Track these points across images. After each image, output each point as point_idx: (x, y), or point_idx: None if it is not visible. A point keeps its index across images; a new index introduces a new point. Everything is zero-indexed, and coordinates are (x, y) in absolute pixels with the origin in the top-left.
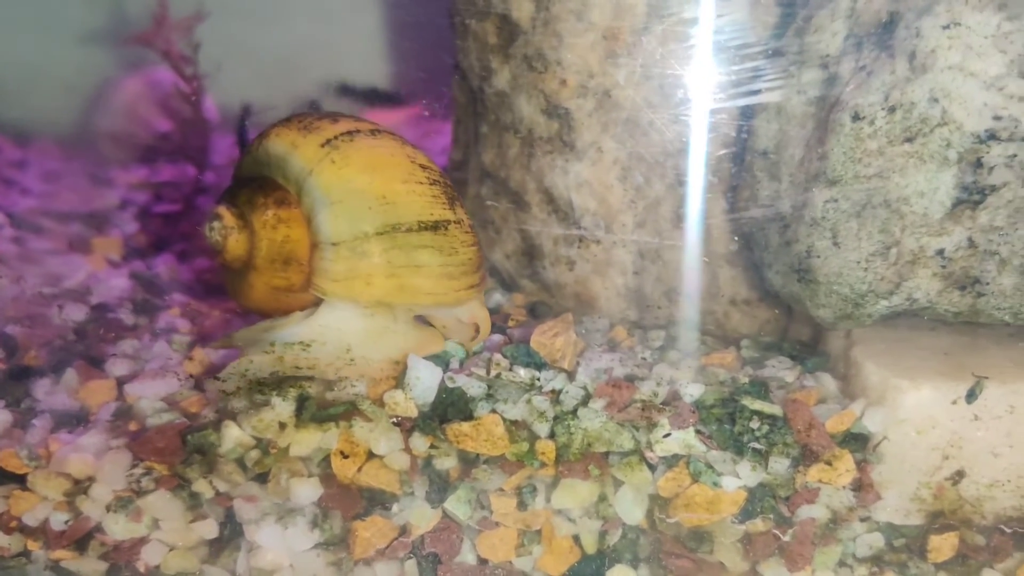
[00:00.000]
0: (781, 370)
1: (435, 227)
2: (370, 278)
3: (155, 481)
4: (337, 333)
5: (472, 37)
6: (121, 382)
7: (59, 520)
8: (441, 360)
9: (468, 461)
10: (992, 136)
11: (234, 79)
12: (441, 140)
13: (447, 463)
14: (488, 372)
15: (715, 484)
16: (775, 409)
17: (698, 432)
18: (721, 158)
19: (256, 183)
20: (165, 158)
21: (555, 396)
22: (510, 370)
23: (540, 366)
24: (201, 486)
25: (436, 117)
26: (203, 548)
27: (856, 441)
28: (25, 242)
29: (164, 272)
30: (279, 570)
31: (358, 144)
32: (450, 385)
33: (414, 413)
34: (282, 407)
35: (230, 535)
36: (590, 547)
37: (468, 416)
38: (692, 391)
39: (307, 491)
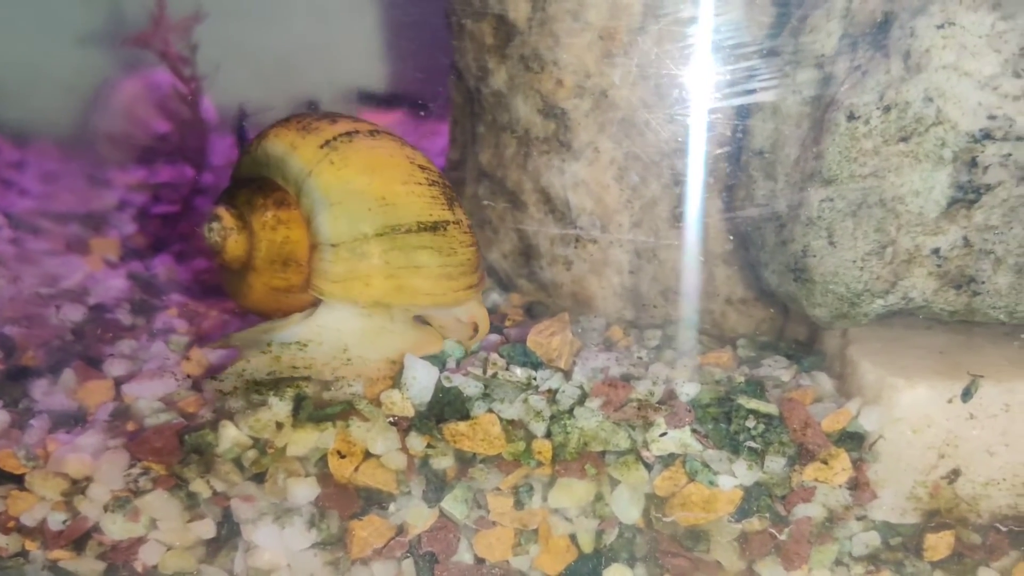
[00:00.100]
0: (777, 369)
1: (434, 228)
2: (369, 279)
3: (153, 481)
4: (334, 333)
5: (469, 37)
6: (119, 382)
7: (57, 520)
8: (438, 360)
9: (465, 460)
10: (987, 135)
11: (232, 80)
12: (439, 141)
13: (444, 462)
14: (485, 371)
15: (711, 483)
16: (771, 408)
17: (694, 431)
18: (717, 158)
19: (255, 184)
20: (163, 159)
21: (551, 395)
22: (507, 369)
23: (536, 365)
24: (198, 486)
25: (433, 118)
26: (201, 548)
27: (852, 440)
28: (23, 243)
29: (162, 273)
30: (276, 570)
31: (357, 145)
32: (447, 385)
33: (411, 413)
34: (279, 407)
35: (227, 535)
36: (587, 546)
37: (465, 415)
38: (688, 390)
39: (304, 491)
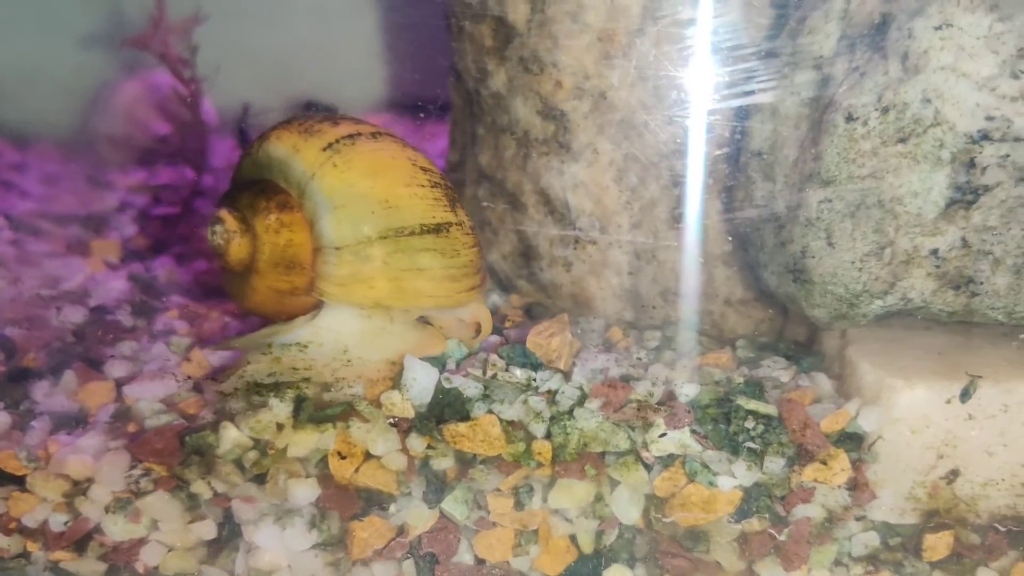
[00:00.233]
0: (776, 370)
1: (437, 230)
2: (373, 282)
3: (154, 482)
4: (334, 335)
5: (468, 39)
6: (120, 384)
7: (58, 521)
8: (438, 361)
9: (465, 461)
10: (985, 136)
11: (232, 81)
12: (439, 143)
13: (444, 463)
14: (484, 373)
15: (711, 484)
16: (770, 409)
17: (694, 432)
18: (716, 159)
19: (258, 186)
20: (163, 161)
21: (551, 396)
22: (506, 371)
23: (536, 366)
24: (199, 487)
25: (432, 120)
26: (202, 549)
27: (851, 440)
28: (24, 244)
29: (162, 274)
30: (277, 570)
31: (360, 148)
32: (447, 386)
33: (411, 414)
34: (280, 408)
35: (228, 536)
36: (587, 547)
37: (465, 416)
38: (688, 391)
39: (305, 492)
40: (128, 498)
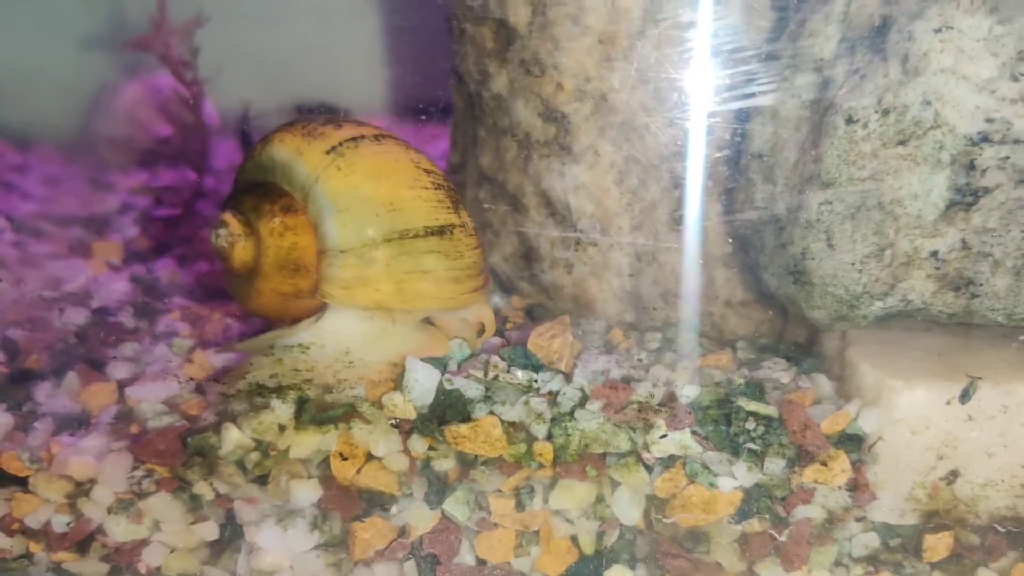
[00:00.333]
0: (777, 371)
1: (441, 232)
2: (378, 284)
3: (156, 483)
4: (336, 336)
5: (469, 42)
6: (122, 385)
7: (61, 522)
8: (439, 362)
9: (466, 462)
10: (984, 138)
11: (233, 83)
12: (440, 145)
13: (445, 464)
14: (486, 374)
15: (711, 485)
16: (771, 410)
17: (694, 433)
18: (716, 161)
19: (261, 189)
20: (165, 162)
21: (552, 398)
22: (508, 372)
23: (537, 368)
24: (202, 488)
25: (434, 122)
26: (204, 550)
27: (851, 442)
28: (26, 246)
29: (164, 276)
30: (279, 571)
31: (363, 150)
32: (448, 387)
33: (412, 415)
34: (282, 409)
35: (230, 537)
36: (588, 548)
37: (466, 418)
38: (688, 392)
39: (307, 493)
40: (130, 499)
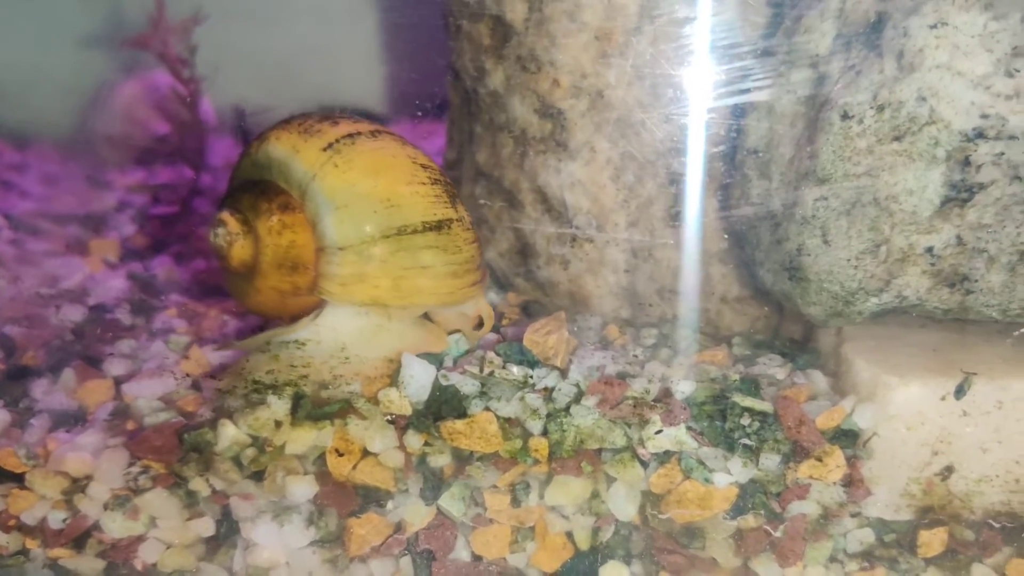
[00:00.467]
0: (772, 367)
1: (439, 227)
2: (377, 281)
3: (152, 479)
4: (332, 332)
5: (466, 38)
6: (118, 382)
7: (57, 518)
8: (435, 358)
9: (462, 458)
10: (980, 134)
11: (230, 81)
12: (437, 141)
13: (441, 460)
14: (481, 370)
15: (706, 480)
16: (766, 406)
17: (689, 429)
18: (712, 157)
19: (258, 188)
20: (162, 160)
21: (548, 394)
22: (503, 368)
23: (533, 364)
24: (198, 484)
25: (430, 118)
26: (200, 546)
27: (846, 437)
28: (23, 244)
29: (161, 273)
30: (275, 567)
31: (360, 147)
32: (444, 383)
33: (408, 411)
34: (278, 405)
35: (227, 533)
36: (583, 543)
37: (462, 414)
38: (684, 388)
39: (303, 489)
40: (127, 495)
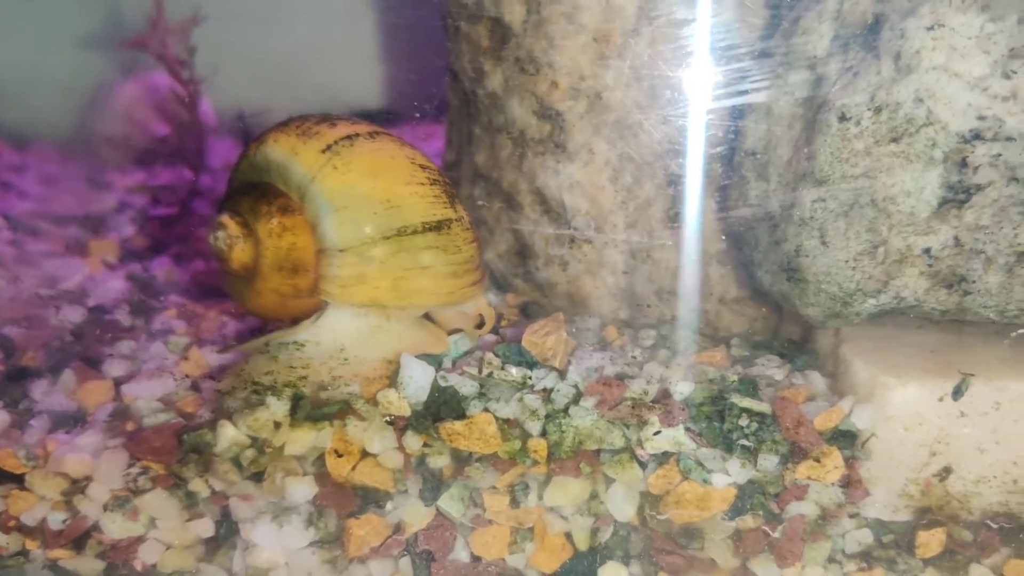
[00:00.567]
0: (770, 368)
1: (438, 227)
2: (378, 282)
3: (152, 480)
4: (331, 333)
5: (464, 40)
6: (118, 383)
7: (57, 519)
8: (434, 359)
9: (461, 459)
10: (977, 136)
11: (229, 82)
12: (435, 143)
13: (440, 461)
14: (480, 371)
15: (705, 481)
16: (764, 407)
17: (688, 430)
18: (710, 158)
19: (258, 190)
20: (162, 161)
21: (547, 395)
22: (502, 369)
23: (532, 365)
24: (197, 485)
25: (429, 121)
26: (199, 547)
27: (844, 438)
28: (23, 244)
29: (161, 274)
30: (275, 568)
31: (358, 148)
32: (443, 384)
33: (407, 412)
34: (277, 406)
35: (226, 534)
36: (582, 544)
37: (461, 415)
38: (682, 389)
39: (302, 490)
40: (126, 496)
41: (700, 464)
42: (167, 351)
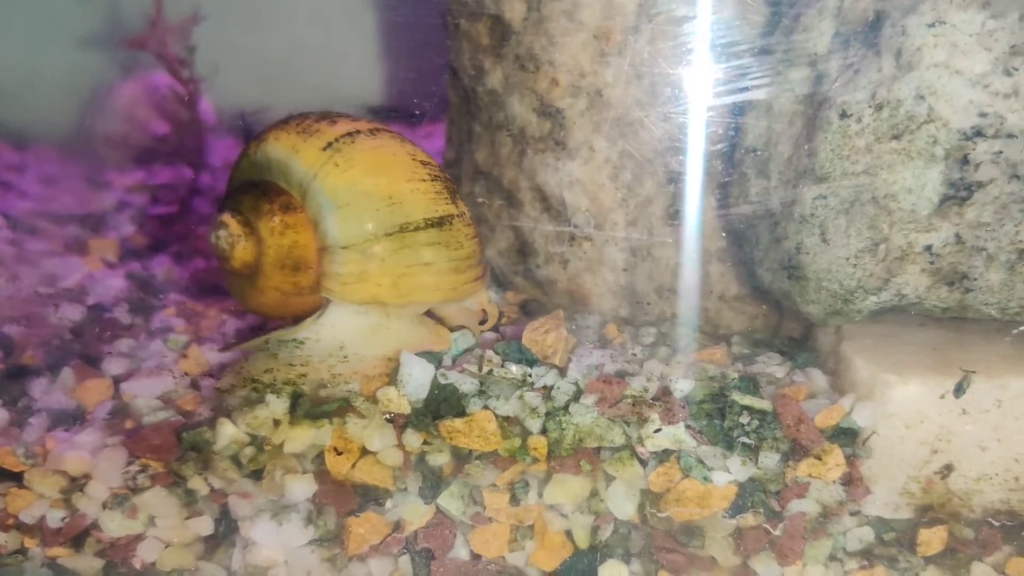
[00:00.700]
0: (771, 366)
1: (440, 223)
2: (380, 279)
3: (151, 478)
4: (330, 331)
5: (464, 38)
6: (117, 381)
7: (55, 517)
8: (433, 357)
9: (461, 457)
10: (978, 133)
11: (229, 81)
12: (435, 142)
13: (440, 459)
14: (480, 368)
15: (705, 479)
16: (765, 404)
17: (688, 427)
18: (711, 156)
19: (259, 188)
20: (161, 160)
21: (547, 392)
22: (502, 366)
23: (532, 362)
24: (196, 483)
25: (429, 119)
26: (199, 545)
27: (845, 436)
28: (22, 243)
29: (160, 272)
30: (274, 566)
31: (360, 145)
32: (442, 381)
33: (407, 409)
34: (276, 404)
35: (225, 532)
36: (582, 542)
37: (461, 412)
38: (682, 387)
39: (301, 488)
40: (125, 494)
41: (701, 462)
42: (166, 349)
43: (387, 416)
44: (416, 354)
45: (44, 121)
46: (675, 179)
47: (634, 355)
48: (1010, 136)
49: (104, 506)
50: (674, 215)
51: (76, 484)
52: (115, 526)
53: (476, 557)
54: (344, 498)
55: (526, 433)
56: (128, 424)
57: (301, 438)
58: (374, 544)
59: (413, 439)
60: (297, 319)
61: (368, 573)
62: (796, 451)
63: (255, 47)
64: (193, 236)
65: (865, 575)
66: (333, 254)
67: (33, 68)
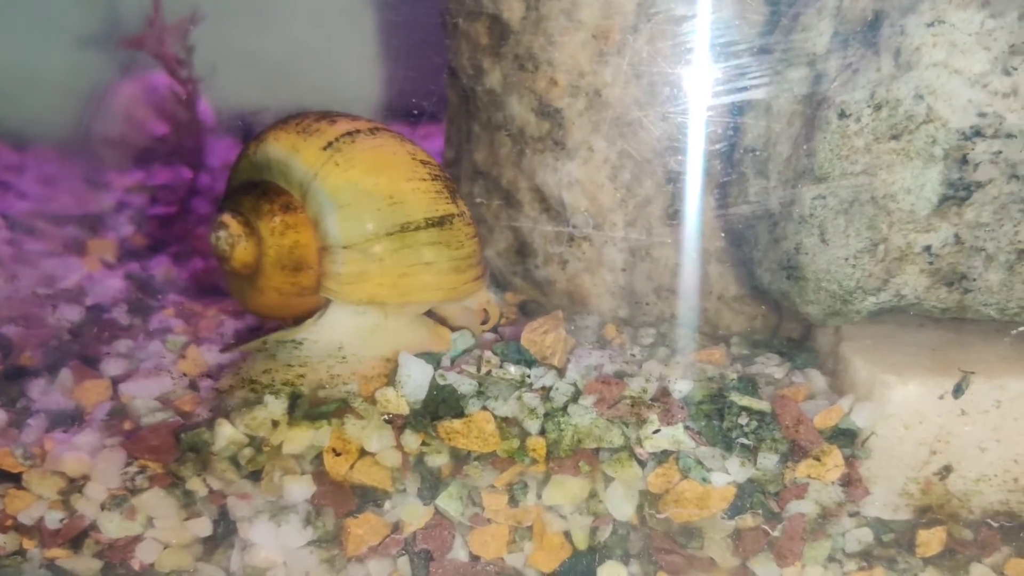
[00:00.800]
0: (770, 366)
1: (441, 223)
2: (381, 278)
3: (149, 479)
4: (329, 331)
5: (463, 37)
6: (115, 381)
7: (54, 519)
8: (432, 358)
9: (459, 458)
10: (977, 133)
11: (228, 81)
12: (435, 142)
13: (439, 460)
14: (479, 369)
15: (704, 480)
16: (763, 405)
17: (687, 428)
18: (710, 156)
19: (259, 189)
20: (160, 161)
21: (545, 393)
22: (501, 367)
23: (530, 363)
24: (195, 484)
25: (428, 119)
26: (197, 546)
27: (844, 437)
28: (21, 244)
29: (159, 273)
30: (272, 567)
31: (360, 145)
32: (441, 382)
33: (406, 410)
34: (275, 405)
35: (224, 533)
36: (581, 543)
37: (459, 413)
38: (681, 387)
39: (300, 489)
40: (124, 495)
41: (699, 463)
42: (165, 350)
43: (386, 417)
44: (414, 355)
45: (43, 121)
46: (674, 179)
47: (633, 356)
48: (1009, 136)
49: (103, 507)
50: (673, 215)
51: (75, 485)
52: (114, 527)
53: (475, 558)
54: (343, 499)
55: (525, 434)
56: (127, 425)
57: (300, 439)
58: (373, 545)
59: (412, 440)
60: (297, 320)
61: (367, 574)
62: (795, 452)
63: (254, 47)
64: (192, 237)
65: None
66: (334, 254)
67: (32, 68)
